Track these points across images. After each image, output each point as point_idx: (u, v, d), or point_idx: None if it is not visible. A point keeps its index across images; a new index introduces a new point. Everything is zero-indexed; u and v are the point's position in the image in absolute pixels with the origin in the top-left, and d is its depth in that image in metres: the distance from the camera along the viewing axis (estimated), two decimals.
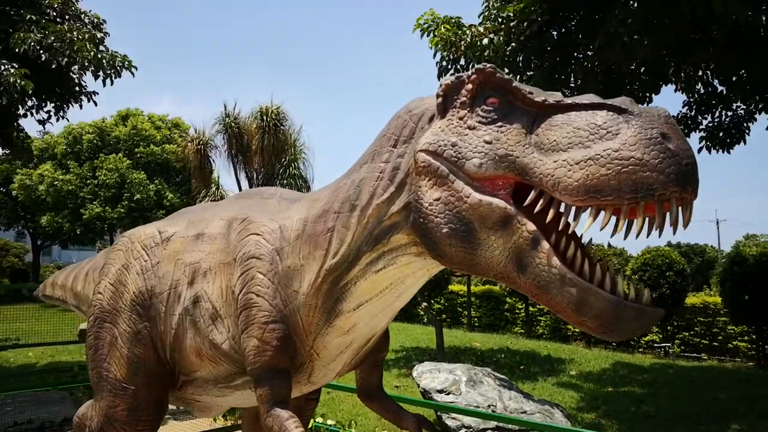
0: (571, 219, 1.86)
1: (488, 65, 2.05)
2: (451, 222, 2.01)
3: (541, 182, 1.82)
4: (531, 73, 8.88)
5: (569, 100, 1.91)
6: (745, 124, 10.48)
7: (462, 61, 10.06)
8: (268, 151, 24.43)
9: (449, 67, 10.24)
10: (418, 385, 9.48)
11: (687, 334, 17.96)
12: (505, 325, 22.61)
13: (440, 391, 8.92)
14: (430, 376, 9.29)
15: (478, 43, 8.35)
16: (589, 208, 1.77)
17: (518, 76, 9.05)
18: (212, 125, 25.72)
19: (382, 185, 2.35)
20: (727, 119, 10.62)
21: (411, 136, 2.31)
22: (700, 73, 10.03)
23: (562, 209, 1.86)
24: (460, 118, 2.08)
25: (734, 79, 8.49)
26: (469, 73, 2.09)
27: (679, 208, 1.67)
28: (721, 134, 10.58)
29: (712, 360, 16.57)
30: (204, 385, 3.11)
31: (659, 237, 1.84)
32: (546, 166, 1.81)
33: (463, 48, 8.52)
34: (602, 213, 1.75)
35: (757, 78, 8.17)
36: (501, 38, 8.30)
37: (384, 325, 2.82)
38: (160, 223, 3.42)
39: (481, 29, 8.56)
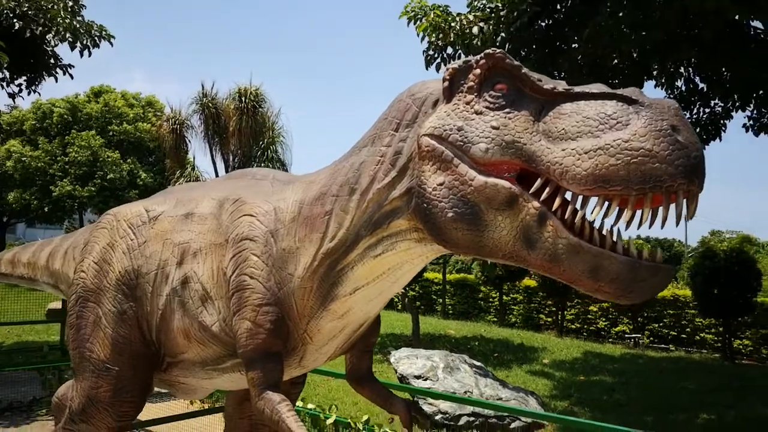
0: (578, 207, 1.84)
1: (498, 50, 2.02)
2: (456, 206, 1.98)
3: (548, 170, 1.81)
4: (520, 59, 8.85)
5: (578, 89, 1.90)
6: (722, 121, 10.64)
7: (449, 50, 10.01)
8: (245, 133, 24.10)
9: (436, 55, 10.18)
10: (396, 371, 9.49)
11: (656, 325, 18.32)
12: (479, 313, 22.80)
13: (417, 377, 8.92)
14: (408, 362, 9.31)
15: (468, 31, 8.28)
16: (596, 198, 1.77)
17: None
18: (189, 105, 25.25)
19: (383, 169, 2.32)
20: (705, 116, 10.76)
21: (414, 120, 2.27)
22: (682, 69, 10.13)
23: (567, 197, 1.85)
24: (467, 103, 2.05)
25: (715, 77, 8.58)
26: (478, 57, 2.06)
27: (685, 200, 1.68)
28: (698, 130, 10.72)
29: (680, 351, 16.94)
30: (191, 367, 3.06)
31: (661, 228, 1.80)
32: (554, 155, 1.80)
33: (452, 36, 8.44)
34: (606, 204, 1.76)
35: (739, 77, 8.27)
36: (491, 27, 8.24)
37: (377, 311, 2.80)
38: (146, 202, 3.34)
39: (471, 17, 8.49)
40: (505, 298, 21.81)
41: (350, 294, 2.54)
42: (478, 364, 10.11)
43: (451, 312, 23.76)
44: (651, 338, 18.01)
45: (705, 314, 16.21)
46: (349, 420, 6.40)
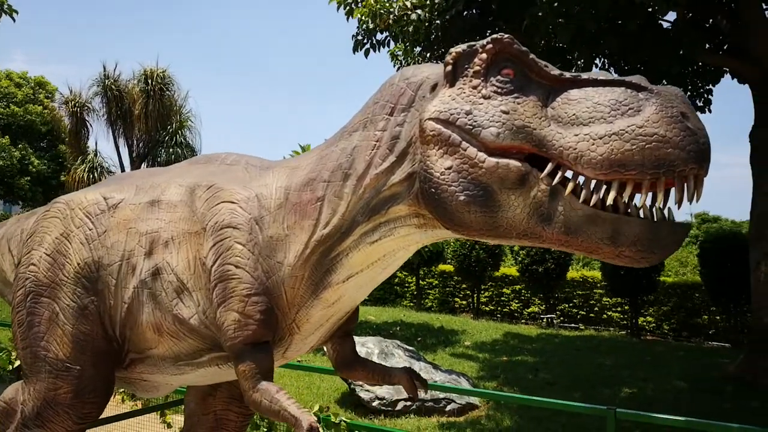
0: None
1: (505, 35, 2.04)
2: (467, 189, 1.99)
3: (561, 155, 1.85)
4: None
5: (585, 76, 1.95)
6: None
7: (378, 35, 9.89)
8: (152, 117, 23.04)
9: (365, 40, 10.04)
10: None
11: (566, 305, 19.21)
12: (395, 298, 22.99)
13: None
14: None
15: (405, 17, 8.20)
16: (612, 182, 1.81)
17: (440, 52, 9.04)
18: (89, 87, 23.66)
19: (379, 154, 2.29)
20: None
21: (410, 104, 2.26)
22: (597, 61, 10.56)
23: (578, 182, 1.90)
24: (474, 87, 2.05)
25: (640, 67, 8.99)
26: (484, 42, 2.06)
27: (694, 184, 1.76)
28: None
29: (590, 329, 17.86)
30: (159, 363, 2.90)
31: (678, 209, 1.88)
32: (566, 140, 1.84)
33: (390, 21, 8.34)
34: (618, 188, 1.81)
35: (656, 69, 8.70)
36: (426, 14, 8.20)
37: (364, 298, 2.77)
38: (101, 189, 3.13)
39: (408, 4, 8.43)
40: (421, 282, 22.13)
41: (343, 281, 2.50)
42: (411, 348, 10.16)
43: (368, 298, 23.78)
44: (561, 318, 18.86)
45: (614, 293, 17.18)
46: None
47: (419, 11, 8.35)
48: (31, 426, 2.93)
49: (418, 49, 10.59)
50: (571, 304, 19.12)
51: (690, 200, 1.79)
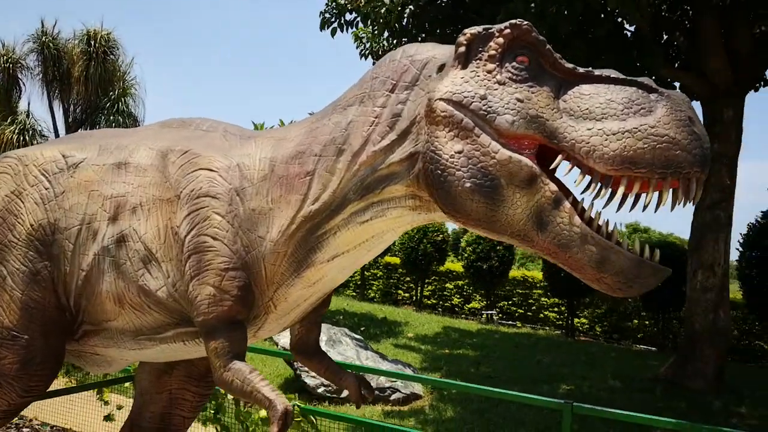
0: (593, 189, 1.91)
1: (524, 22, 2.02)
2: (475, 176, 1.96)
3: (573, 148, 1.86)
4: (422, 37, 8.84)
5: (598, 72, 1.96)
6: None
7: (347, 16, 9.75)
8: (93, 81, 21.99)
9: (333, 19, 9.88)
10: (277, 344, 9.20)
11: (506, 303, 19.65)
12: (339, 287, 22.92)
13: None
14: (288, 335, 9.05)
15: None
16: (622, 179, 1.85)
17: (409, 40, 8.94)
18: (23, 43, 22.37)
19: (378, 131, 2.22)
20: None
21: (414, 82, 2.20)
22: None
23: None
24: (489, 72, 2.02)
25: None
26: (502, 27, 2.04)
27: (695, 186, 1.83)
28: None
29: (527, 327, 18.31)
30: (117, 336, 2.74)
31: (683, 206, 1.94)
32: (579, 133, 1.85)
33: (362, 2, 8.21)
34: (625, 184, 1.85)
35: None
36: None
37: (343, 280, 2.70)
38: (60, 146, 2.93)
39: None
40: (366, 273, 22.16)
41: (328, 261, 2.41)
42: (358, 337, 10.12)
43: None
44: (500, 315, 19.27)
45: (553, 294, 17.65)
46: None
47: None
48: None
49: (386, 34, 10.52)
50: (510, 302, 19.58)
51: (692, 201, 1.85)
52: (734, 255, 12.20)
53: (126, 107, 23.22)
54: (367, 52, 12.30)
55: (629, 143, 1.77)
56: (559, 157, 1.91)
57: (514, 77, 1.99)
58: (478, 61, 2.05)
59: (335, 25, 9.87)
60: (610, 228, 1.90)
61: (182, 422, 3.36)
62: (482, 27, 2.08)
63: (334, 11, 9.63)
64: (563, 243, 1.87)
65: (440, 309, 20.63)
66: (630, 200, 1.86)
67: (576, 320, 17.77)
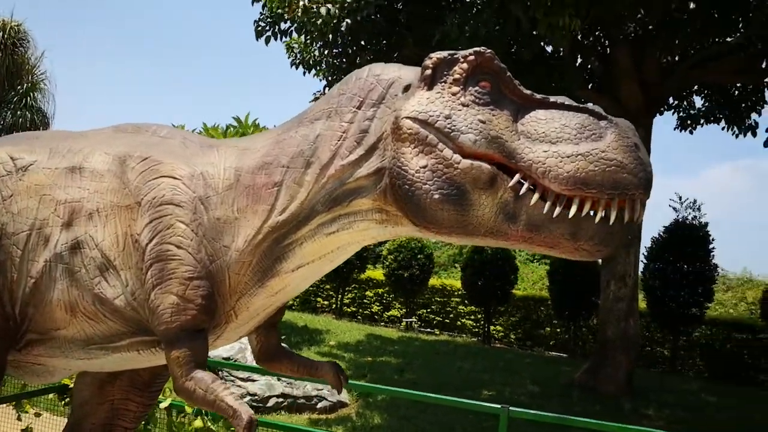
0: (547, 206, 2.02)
1: (487, 50, 2.15)
2: (441, 188, 2.05)
3: (530, 168, 1.99)
4: (354, 50, 8.97)
5: (552, 99, 2.12)
6: None
7: (283, 25, 9.72)
8: (0, 73, 20.58)
9: (267, 28, 9.83)
10: None
11: (425, 311, 20.03)
12: None
13: (226, 359, 8.53)
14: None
15: (314, 10, 8.14)
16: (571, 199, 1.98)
17: (342, 52, 9.06)
18: None
19: (346, 146, 2.28)
20: None
21: (381, 100, 2.29)
22: None
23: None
24: (453, 94, 2.13)
25: None
26: (466, 53, 2.16)
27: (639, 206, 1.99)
28: None
29: (444, 335, 18.73)
30: (65, 345, 2.65)
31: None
32: (535, 154, 1.99)
33: (300, 12, 8.22)
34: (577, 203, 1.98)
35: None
36: (336, 11, 8.20)
37: (305, 288, 2.75)
38: (6, 148, 2.81)
39: None
40: None
41: (292, 271, 2.44)
42: (285, 346, 10.01)
43: None
44: (420, 322, 19.61)
45: (471, 302, 18.18)
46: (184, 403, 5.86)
47: (329, 5, 8.32)
48: None
49: (317, 45, 10.56)
50: (429, 310, 19.97)
51: (635, 220, 2.01)
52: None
53: (35, 102, 21.92)
54: (298, 61, 12.30)
55: (582, 165, 1.91)
56: (517, 175, 2.01)
57: (477, 100, 2.10)
58: (443, 84, 2.15)
59: (269, 33, 9.81)
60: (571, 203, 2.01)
61: None
62: (447, 52, 2.19)
63: (269, 20, 9.58)
64: (535, 226, 1.99)
65: (360, 317, 20.73)
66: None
67: (492, 328, 18.37)
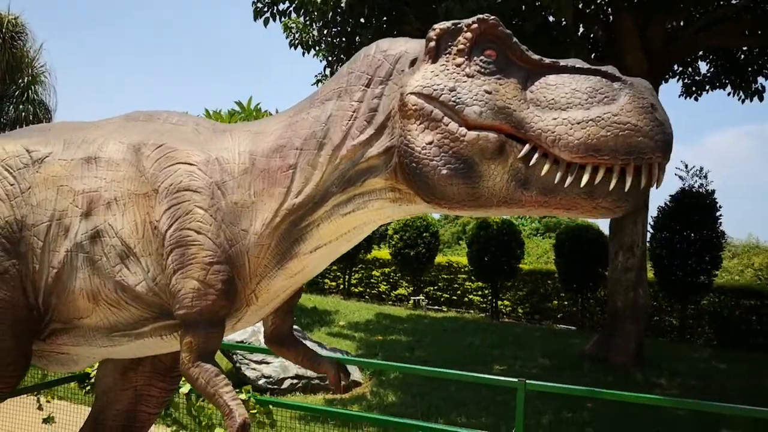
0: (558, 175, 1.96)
1: (490, 17, 2.10)
2: (449, 162, 2.03)
3: (539, 137, 1.93)
4: (352, 27, 8.88)
5: (563, 62, 2.04)
6: None
7: (281, 5, 9.61)
8: (0, 67, 20.47)
9: (266, 9, 9.73)
10: None
11: (431, 288, 20.12)
12: None
13: (240, 342, 8.59)
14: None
15: None
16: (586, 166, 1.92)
17: (341, 30, 8.97)
18: None
19: (357, 125, 2.28)
20: None
21: (388, 77, 2.26)
22: None
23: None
24: (458, 65, 2.09)
25: None
26: (469, 21, 2.10)
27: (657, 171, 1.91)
28: None
29: (452, 311, 18.83)
30: (89, 333, 2.69)
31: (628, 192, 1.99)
32: (545, 123, 1.93)
33: None
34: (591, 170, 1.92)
35: None
36: None
37: (323, 269, 2.75)
38: (22, 140, 2.84)
39: None
40: None
41: (310, 252, 2.46)
42: (297, 327, 10.09)
43: None
44: (427, 300, 19.71)
45: (478, 278, 18.23)
46: None
47: None
48: None
49: (317, 25, 10.46)
50: (436, 287, 20.05)
51: (655, 186, 1.94)
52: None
53: (36, 95, 21.86)
54: (297, 42, 12.19)
55: (593, 131, 1.84)
56: (527, 145, 1.97)
57: (482, 70, 2.05)
58: (447, 55, 2.11)
59: (267, 15, 9.72)
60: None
61: (147, 418, 3.32)
62: (451, 22, 2.14)
63: (267, 1, 9.49)
64: (549, 189, 1.94)
65: (368, 296, 20.84)
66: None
67: (499, 303, 18.45)
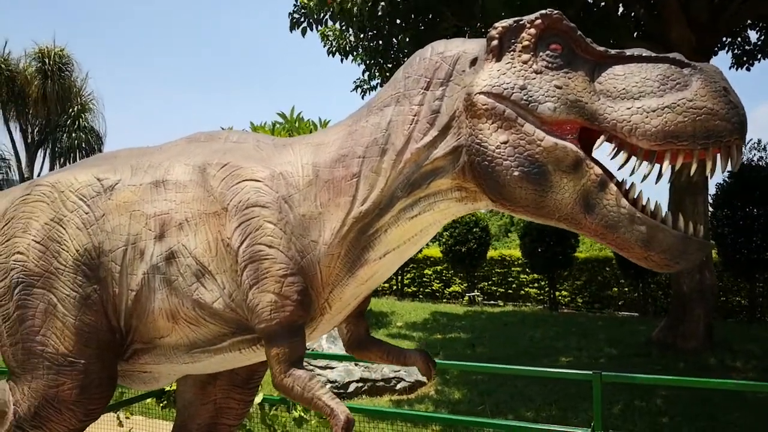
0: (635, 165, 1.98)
1: (554, 11, 2.08)
2: (522, 165, 2.03)
3: (615, 128, 1.93)
4: (393, 32, 8.92)
5: (629, 52, 2.04)
6: None
7: (317, 15, 9.72)
8: (50, 99, 21.44)
9: (302, 20, 9.87)
10: None
11: (486, 283, 19.95)
12: None
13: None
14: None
15: None
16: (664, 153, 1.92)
17: (378, 35, 9.01)
18: None
19: (419, 128, 2.29)
20: None
21: (448, 78, 2.27)
22: None
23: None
24: (524, 62, 2.09)
25: None
26: (532, 17, 2.11)
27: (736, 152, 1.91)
28: None
29: (509, 305, 18.63)
30: (170, 352, 2.77)
31: (710, 176, 2.00)
32: (619, 113, 1.92)
33: (336, 2, 8.21)
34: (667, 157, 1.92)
35: None
36: None
37: (391, 273, 2.78)
38: (92, 169, 2.93)
39: None
40: None
41: (379, 258, 2.47)
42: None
43: None
44: (482, 296, 19.55)
45: (533, 270, 17.99)
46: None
47: None
48: (27, 427, 2.73)
49: (353, 31, 10.53)
50: (490, 282, 19.88)
51: (733, 168, 1.92)
52: None
53: (87, 123, 22.73)
54: (334, 49, 12.30)
55: (670, 118, 1.85)
56: (602, 137, 1.98)
57: (550, 65, 2.05)
58: (512, 53, 2.11)
59: (305, 24, 9.84)
60: (654, 206, 1.97)
61: (228, 430, 3.38)
62: (512, 20, 2.14)
63: (303, 11, 9.61)
64: (611, 224, 1.95)
65: (421, 296, 20.81)
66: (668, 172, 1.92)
67: (557, 293, 18.15)
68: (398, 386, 8.77)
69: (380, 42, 10.42)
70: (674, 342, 10.31)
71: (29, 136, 22.46)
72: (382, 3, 8.32)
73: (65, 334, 2.65)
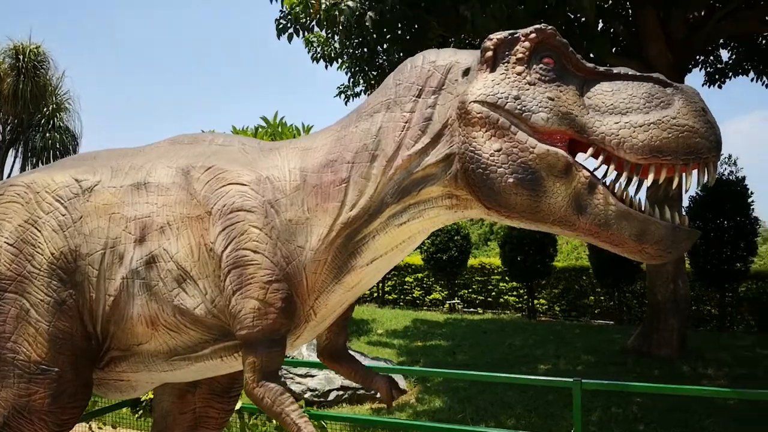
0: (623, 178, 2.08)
1: (548, 26, 2.17)
2: (516, 171, 2.08)
3: (603, 140, 2.02)
4: (379, 41, 8.98)
5: (615, 70, 2.14)
6: None
7: (304, 21, 9.75)
8: (24, 97, 20.96)
9: (288, 26, 9.89)
10: None
11: (466, 291, 20.09)
12: None
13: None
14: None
15: (339, 4, 8.16)
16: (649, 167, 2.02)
17: (363, 42, 9.06)
18: None
19: (410, 135, 2.30)
20: None
21: (440, 87, 2.30)
22: None
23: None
24: (518, 74, 2.15)
25: None
26: (527, 31, 2.17)
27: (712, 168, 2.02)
28: None
29: (488, 313, 18.76)
30: (148, 359, 2.71)
31: (686, 192, 2.16)
32: (607, 127, 2.02)
33: (322, 9, 8.25)
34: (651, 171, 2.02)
35: None
36: (358, 4, 8.20)
37: (377, 281, 2.79)
38: (70, 171, 2.84)
39: None
40: None
41: (366, 265, 2.48)
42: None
43: None
44: (462, 303, 19.67)
45: (512, 278, 18.16)
46: None
47: (350, 2, 8.32)
48: None
49: (338, 38, 10.58)
50: (470, 290, 20.01)
51: (710, 182, 2.04)
52: None
53: (62, 123, 22.31)
54: (319, 56, 12.34)
55: (655, 134, 1.94)
56: (590, 149, 2.06)
57: (543, 78, 2.13)
58: (506, 64, 2.17)
59: (291, 31, 9.86)
60: (639, 202, 2.06)
61: None
62: (507, 32, 2.20)
63: (289, 17, 9.62)
64: (603, 222, 2.02)
65: (402, 303, 20.86)
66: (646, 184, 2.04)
67: (535, 302, 18.35)
68: (379, 394, 8.77)
69: (365, 50, 10.48)
70: (649, 350, 10.52)
71: (0, 135, 22.04)
72: (370, 13, 8.38)
73: (38, 340, 2.57)
